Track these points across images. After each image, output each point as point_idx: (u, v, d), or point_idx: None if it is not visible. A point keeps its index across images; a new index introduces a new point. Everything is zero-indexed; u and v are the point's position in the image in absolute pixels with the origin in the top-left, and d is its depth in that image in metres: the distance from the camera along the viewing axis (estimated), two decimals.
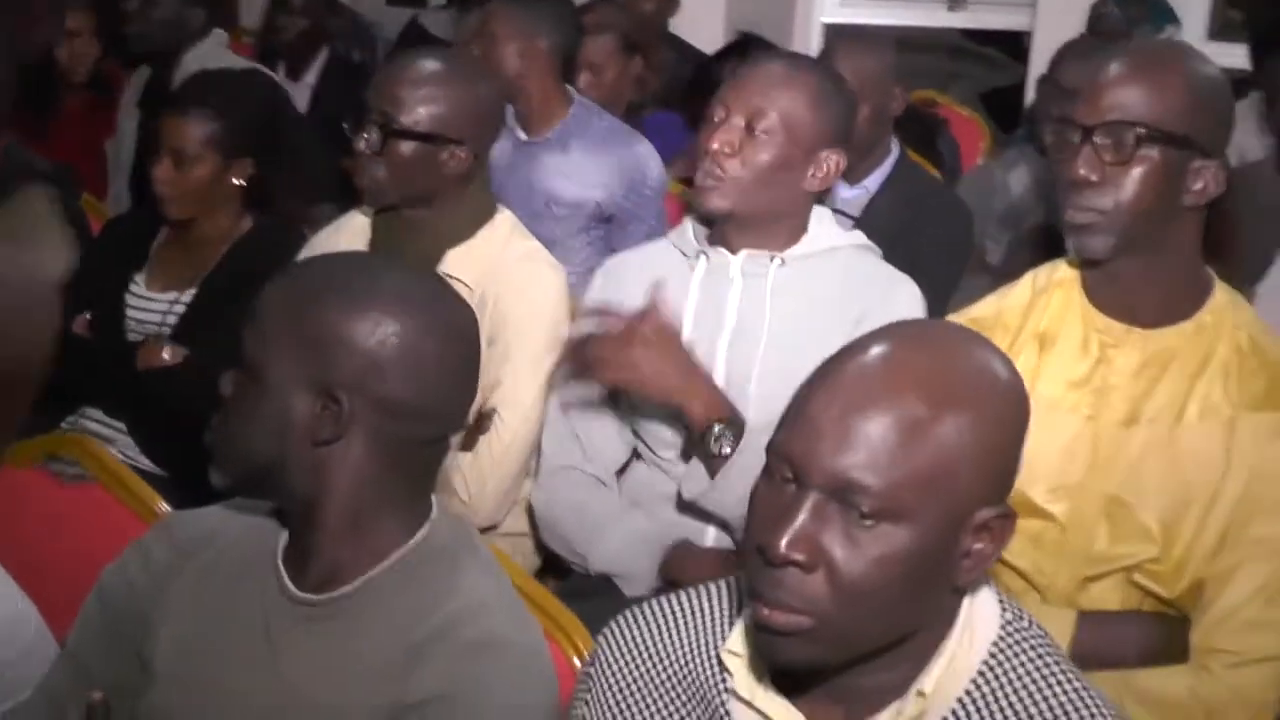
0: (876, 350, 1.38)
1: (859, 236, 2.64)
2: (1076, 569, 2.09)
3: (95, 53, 4.44)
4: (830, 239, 2.55)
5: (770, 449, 1.38)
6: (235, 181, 3.10)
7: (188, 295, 3.06)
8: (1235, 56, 4.94)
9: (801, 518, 1.32)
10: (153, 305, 3.08)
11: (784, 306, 2.49)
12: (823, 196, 2.63)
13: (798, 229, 2.55)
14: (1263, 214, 3.66)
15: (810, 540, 1.31)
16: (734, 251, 2.51)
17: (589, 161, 3.61)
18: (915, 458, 1.32)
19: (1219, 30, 5.84)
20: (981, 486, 1.37)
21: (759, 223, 2.50)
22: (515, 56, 3.62)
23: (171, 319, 3.06)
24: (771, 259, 2.50)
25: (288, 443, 1.61)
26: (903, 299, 2.54)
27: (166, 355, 3.00)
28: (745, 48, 4.25)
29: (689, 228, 2.57)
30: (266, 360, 1.61)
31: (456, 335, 1.67)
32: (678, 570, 2.46)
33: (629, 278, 2.58)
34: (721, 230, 2.52)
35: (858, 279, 2.53)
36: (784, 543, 1.31)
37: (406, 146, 2.56)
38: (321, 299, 1.61)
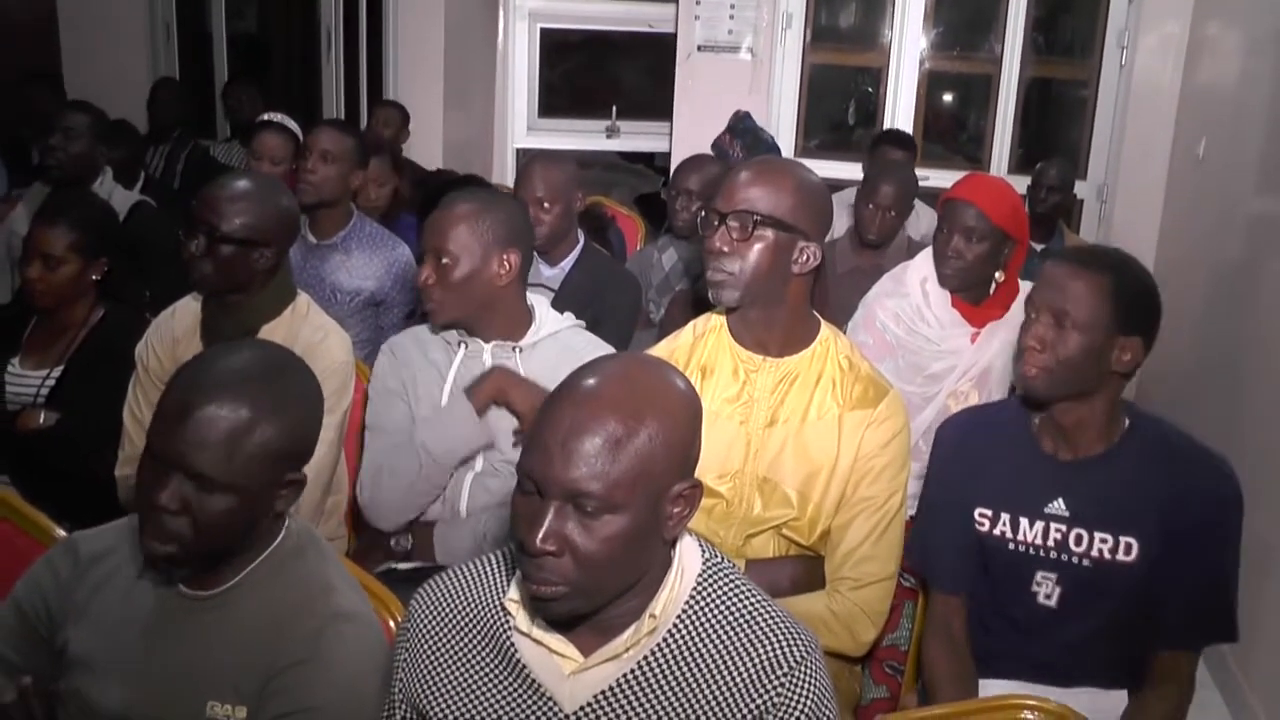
0: (586, 385, 1.43)
1: (570, 318, 2.58)
2: (740, 530, 2.16)
3: None
4: (552, 325, 2.52)
5: (519, 469, 1.42)
6: (93, 277, 2.99)
7: (57, 371, 2.94)
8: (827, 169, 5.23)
9: (548, 520, 1.38)
10: (28, 380, 2.95)
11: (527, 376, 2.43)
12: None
13: (525, 318, 2.51)
14: (843, 277, 3.94)
15: (556, 535, 1.38)
16: (486, 341, 2.47)
17: (364, 260, 3.57)
18: (621, 464, 1.38)
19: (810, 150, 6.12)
20: (673, 471, 1.43)
21: (486, 320, 2.45)
22: (338, 176, 3.58)
23: (45, 391, 2.93)
24: (513, 348, 2.47)
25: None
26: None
27: (41, 420, 2.89)
28: (466, 180, 4.25)
29: None
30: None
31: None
32: (483, 396, 2.40)
33: (410, 354, 2.51)
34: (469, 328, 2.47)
35: (578, 352, 2.42)
36: (538, 540, 1.37)
37: (227, 249, 2.51)
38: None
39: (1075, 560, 2.18)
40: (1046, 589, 2.21)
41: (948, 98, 6.41)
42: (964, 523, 2.26)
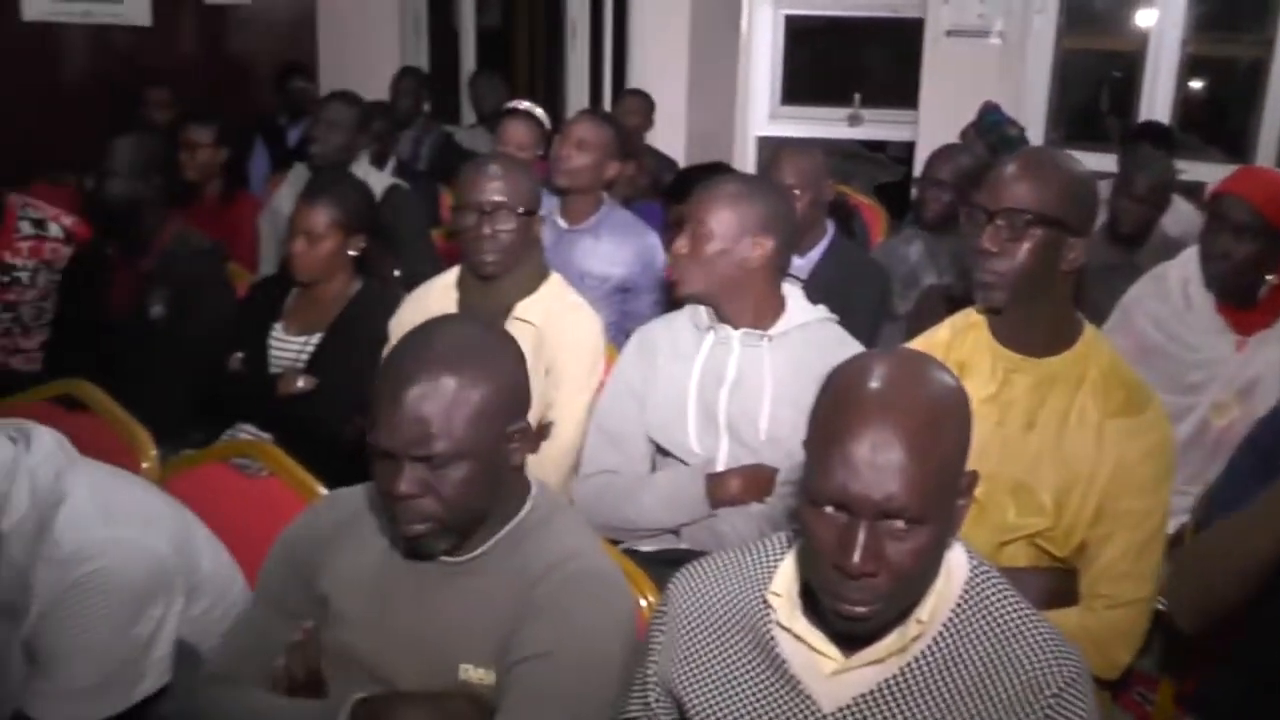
0: (875, 391, 1.39)
1: (822, 310, 2.57)
2: (993, 537, 2.09)
3: (221, 158, 4.53)
4: (803, 316, 2.52)
5: (815, 490, 1.39)
6: (351, 253, 3.16)
7: (316, 338, 3.10)
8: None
9: (865, 539, 1.35)
10: (289, 346, 3.13)
11: (775, 367, 2.44)
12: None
13: (777, 307, 2.51)
14: (1095, 274, 3.78)
15: (875, 555, 1.35)
16: (735, 328, 2.48)
17: (614, 247, 3.66)
18: (928, 474, 1.35)
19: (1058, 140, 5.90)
20: (963, 464, 1.43)
21: (735, 303, 2.47)
22: (592, 164, 3.70)
23: (304, 356, 3.10)
24: (762, 337, 2.46)
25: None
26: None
27: (301, 384, 3.04)
28: (713, 169, 4.30)
29: (701, 309, 2.52)
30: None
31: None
32: (721, 494, 2.42)
33: (658, 343, 2.56)
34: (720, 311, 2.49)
35: (828, 345, 2.43)
36: (859, 563, 1.35)
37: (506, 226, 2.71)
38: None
39: None
40: None
41: (1209, 83, 6.06)
42: None
